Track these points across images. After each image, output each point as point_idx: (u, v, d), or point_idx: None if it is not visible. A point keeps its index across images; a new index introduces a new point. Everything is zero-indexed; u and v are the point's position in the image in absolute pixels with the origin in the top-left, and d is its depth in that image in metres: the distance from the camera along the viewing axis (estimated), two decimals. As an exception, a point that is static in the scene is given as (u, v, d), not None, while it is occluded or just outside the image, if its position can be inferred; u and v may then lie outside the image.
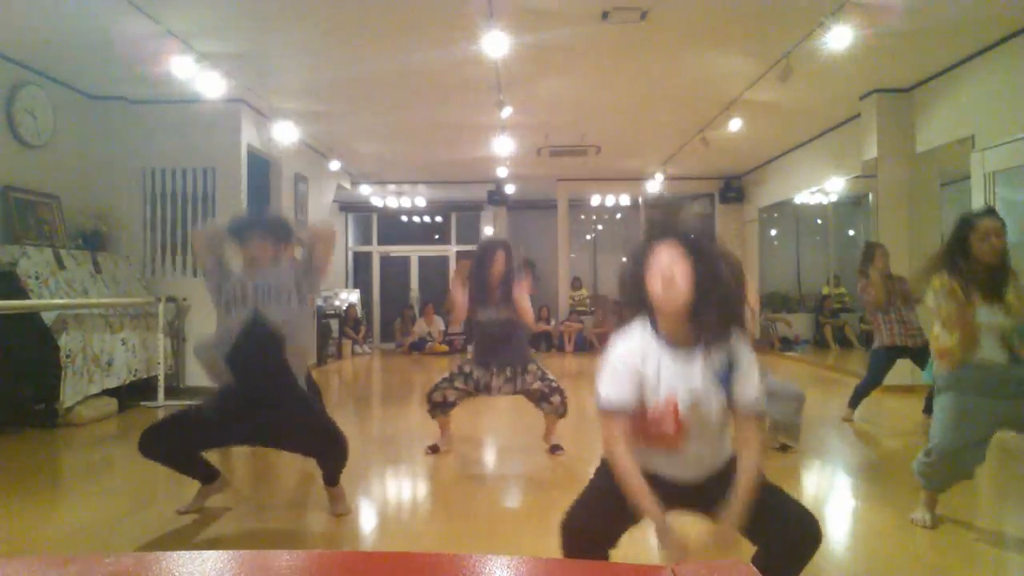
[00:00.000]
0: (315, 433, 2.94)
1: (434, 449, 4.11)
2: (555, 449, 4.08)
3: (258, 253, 2.90)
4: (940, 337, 2.71)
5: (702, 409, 1.63)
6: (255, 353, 2.81)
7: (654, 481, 1.68)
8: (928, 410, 4.87)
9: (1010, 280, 2.66)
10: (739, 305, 1.64)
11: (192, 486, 3.10)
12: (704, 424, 1.65)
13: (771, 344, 10.26)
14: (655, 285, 1.59)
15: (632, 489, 1.63)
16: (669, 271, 1.57)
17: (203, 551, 0.74)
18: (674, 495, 1.72)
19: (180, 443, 2.87)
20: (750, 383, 1.65)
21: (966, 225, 2.70)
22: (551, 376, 4.01)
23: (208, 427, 2.84)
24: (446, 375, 4.02)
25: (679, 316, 1.61)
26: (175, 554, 0.74)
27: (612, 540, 1.79)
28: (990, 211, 2.79)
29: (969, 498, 3.31)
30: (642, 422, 1.66)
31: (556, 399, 3.97)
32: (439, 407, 3.99)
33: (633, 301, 1.68)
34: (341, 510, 3.05)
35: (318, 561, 0.81)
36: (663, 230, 1.63)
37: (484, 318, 3.93)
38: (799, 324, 10.62)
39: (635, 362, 1.64)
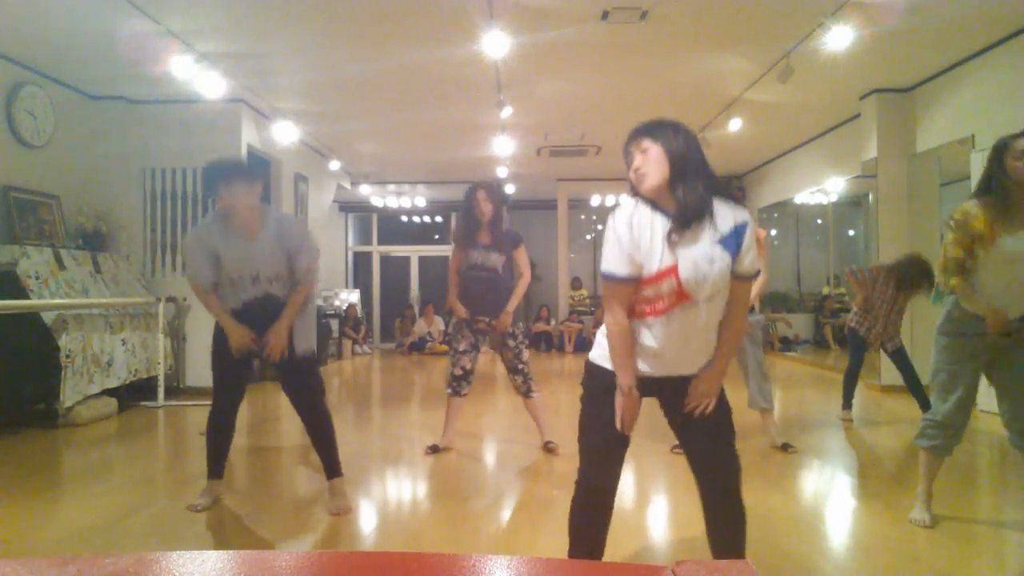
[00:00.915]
0: (303, 389, 3.10)
1: (434, 449, 4.11)
2: (548, 445, 4.09)
3: (237, 201, 2.87)
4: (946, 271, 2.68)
5: (702, 274, 1.72)
6: (259, 317, 2.97)
7: (642, 382, 1.84)
8: (925, 407, 4.91)
9: None
10: (716, 179, 1.79)
11: (192, 485, 3.10)
12: (703, 290, 1.73)
13: (771, 344, 10.26)
14: (634, 179, 1.80)
15: (618, 357, 1.82)
16: (640, 166, 1.77)
17: (203, 551, 0.74)
18: (664, 390, 1.89)
19: (237, 392, 3.14)
20: (750, 253, 1.78)
21: (1002, 146, 2.63)
22: (525, 359, 4.05)
23: (233, 368, 3.04)
24: (450, 352, 4.12)
25: (664, 197, 1.78)
26: (175, 554, 0.75)
27: (618, 455, 1.93)
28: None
29: (967, 497, 3.31)
30: (643, 291, 1.78)
31: (519, 379, 4.03)
32: (461, 380, 4.03)
33: (632, 192, 1.85)
34: (334, 509, 3.04)
35: (318, 561, 0.81)
36: (634, 132, 1.83)
37: (472, 261, 3.98)
38: (799, 324, 10.63)
39: (633, 237, 1.77)
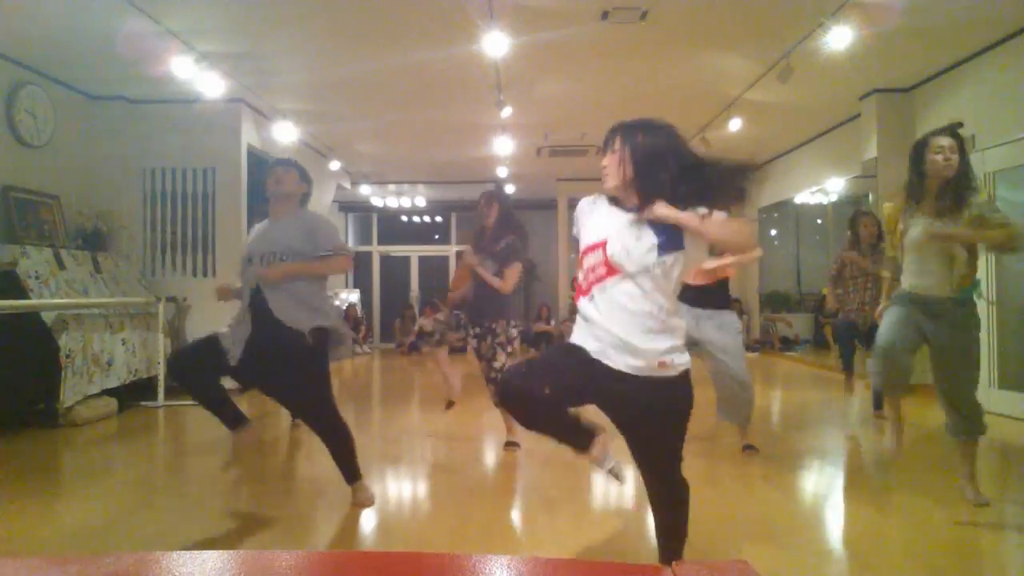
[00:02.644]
0: (303, 403, 3.02)
1: (450, 405, 4.36)
2: (508, 445, 4.12)
3: (278, 187, 3.00)
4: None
5: (630, 252, 1.83)
6: (259, 306, 2.88)
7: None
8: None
9: (968, 201, 2.75)
10: (699, 172, 1.88)
11: (192, 485, 3.10)
12: (630, 264, 1.82)
13: (771, 344, 10.26)
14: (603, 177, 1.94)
15: None
16: (607, 165, 1.91)
17: (203, 551, 0.74)
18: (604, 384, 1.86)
19: (198, 361, 2.93)
20: (703, 218, 1.83)
21: (923, 142, 2.87)
22: (499, 363, 3.97)
23: (219, 352, 2.88)
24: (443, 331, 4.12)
25: (622, 191, 1.91)
26: (175, 554, 0.75)
27: (559, 388, 1.85)
28: (947, 128, 2.91)
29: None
30: (584, 263, 1.92)
31: (492, 388, 4.01)
32: (422, 337, 4.23)
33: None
34: (356, 501, 3.07)
35: (318, 561, 0.81)
36: (612, 130, 1.96)
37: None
38: (799, 324, 10.62)
39: (580, 217, 2.02)
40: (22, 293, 4.76)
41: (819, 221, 11.50)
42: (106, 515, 3.02)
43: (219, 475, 3.67)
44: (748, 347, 10.30)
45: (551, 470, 3.77)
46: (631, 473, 3.72)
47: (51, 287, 5.01)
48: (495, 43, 4.65)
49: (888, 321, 2.96)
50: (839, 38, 4.53)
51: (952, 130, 2.86)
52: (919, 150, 2.84)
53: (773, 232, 11.70)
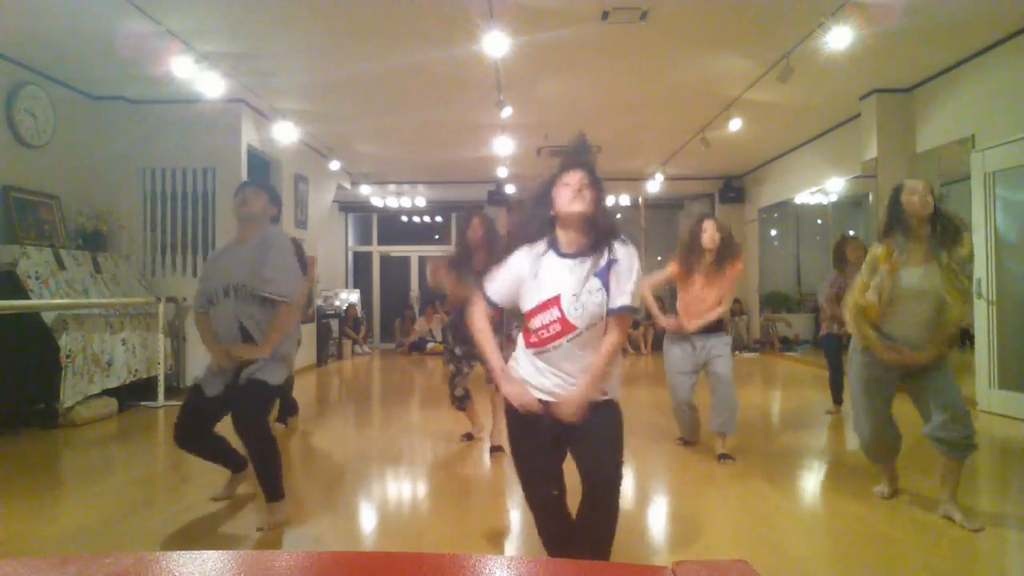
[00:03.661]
0: (244, 422, 2.91)
1: (468, 437, 4.45)
2: (466, 436, 4.38)
3: (245, 208, 2.98)
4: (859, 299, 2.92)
5: (585, 307, 1.89)
6: (220, 321, 2.94)
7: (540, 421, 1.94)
8: (838, 399, 5.31)
9: (949, 241, 2.78)
10: (614, 221, 1.99)
11: (192, 484, 3.10)
12: (589, 322, 1.90)
13: (771, 344, 10.26)
14: (564, 199, 1.93)
15: (483, 346, 2.05)
16: (578, 189, 1.92)
17: (203, 551, 0.74)
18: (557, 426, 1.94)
19: (197, 421, 3.01)
20: (624, 286, 1.91)
21: (899, 187, 2.93)
22: (458, 382, 4.15)
23: (205, 399, 2.95)
24: (452, 368, 4.18)
25: (578, 228, 1.94)
26: (175, 554, 0.75)
27: (554, 466, 2.06)
28: (915, 177, 2.99)
29: (975, 499, 3.31)
30: (535, 318, 1.93)
31: (448, 391, 4.21)
32: (462, 400, 4.26)
33: (539, 218, 2.00)
34: (263, 524, 2.89)
35: (318, 561, 0.81)
36: (575, 161, 1.99)
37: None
38: (799, 324, 10.62)
39: (522, 268, 1.97)
40: (22, 293, 4.76)
41: (819, 221, 11.50)
42: (106, 515, 3.02)
43: (219, 475, 3.67)
44: (748, 347, 10.32)
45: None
46: (629, 475, 3.73)
47: (51, 287, 5.01)
48: (495, 43, 4.65)
49: (863, 399, 3.02)
50: (839, 38, 4.53)
51: (921, 180, 2.97)
52: (894, 196, 2.91)
53: (773, 232, 11.70)
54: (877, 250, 2.88)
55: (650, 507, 3.25)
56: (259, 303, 2.89)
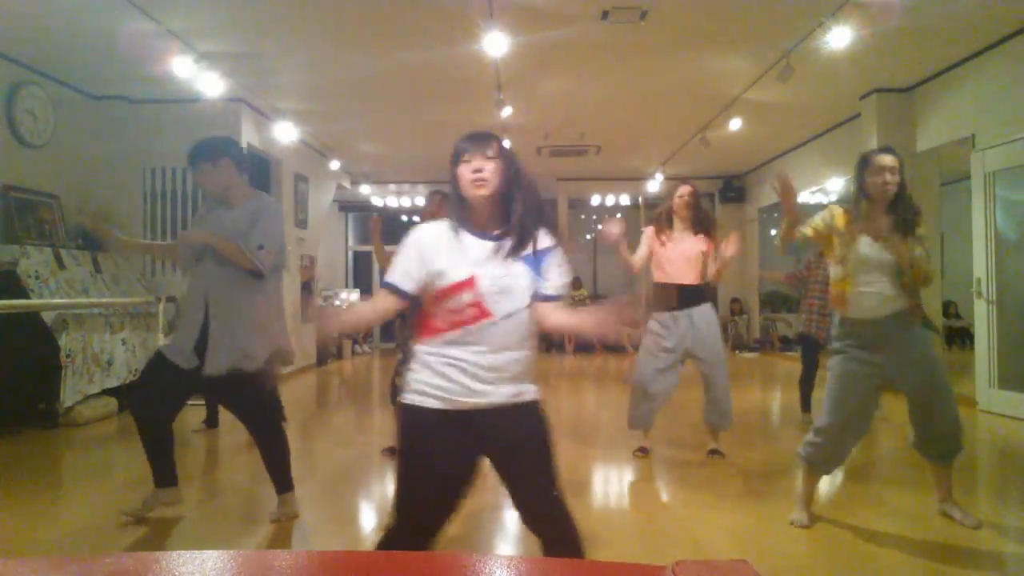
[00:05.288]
0: (252, 406, 2.85)
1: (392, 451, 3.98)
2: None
3: (202, 179, 2.84)
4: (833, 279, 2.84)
5: (505, 292, 1.68)
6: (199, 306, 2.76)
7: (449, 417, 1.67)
8: (806, 408, 4.98)
9: (911, 224, 2.72)
10: (544, 209, 1.81)
11: (191, 484, 3.09)
12: (506, 305, 1.68)
13: (771, 344, 10.26)
14: (467, 175, 1.71)
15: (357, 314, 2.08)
16: (481, 165, 1.70)
17: (203, 551, 0.74)
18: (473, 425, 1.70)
19: (158, 392, 2.79)
20: (561, 278, 1.76)
21: (862, 161, 2.82)
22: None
23: (173, 372, 2.75)
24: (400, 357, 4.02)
25: (487, 207, 1.73)
26: (175, 554, 0.75)
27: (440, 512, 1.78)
28: (886, 147, 2.84)
29: (974, 500, 3.31)
30: (445, 303, 1.69)
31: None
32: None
33: (452, 195, 1.79)
34: (276, 516, 2.90)
35: (318, 561, 0.81)
36: (478, 138, 1.76)
37: None
38: (799, 324, 10.61)
39: (427, 246, 1.72)
40: (22, 293, 4.76)
41: (819, 221, 11.49)
42: (106, 515, 3.02)
43: (219, 475, 3.67)
44: (748, 347, 10.32)
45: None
46: (628, 475, 3.73)
47: (51, 287, 5.01)
48: (495, 43, 4.66)
49: (835, 392, 2.79)
50: (839, 38, 4.53)
51: (891, 148, 2.84)
52: (860, 170, 2.81)
53: (773, 232, 11.69)
54: (837, 209, 2.85)
55: (650, 507, 3.25)
56: (236, 270, 2.74)
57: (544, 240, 1.76)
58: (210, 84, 5.38)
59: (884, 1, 4.30)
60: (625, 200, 11.55)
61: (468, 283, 1.65)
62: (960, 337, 9.79)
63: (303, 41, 5.13)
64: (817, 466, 2.87)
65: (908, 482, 3.41)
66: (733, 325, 10.62)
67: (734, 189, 10.82)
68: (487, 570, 0.74)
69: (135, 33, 4.70)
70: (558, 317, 1.76)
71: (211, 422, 4.87)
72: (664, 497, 3.36)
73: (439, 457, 1.70)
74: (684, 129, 7.65)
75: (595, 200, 11.52)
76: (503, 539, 2.82)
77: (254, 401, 2.87)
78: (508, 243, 1.71)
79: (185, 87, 5.53)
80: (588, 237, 12.68)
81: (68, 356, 4.91)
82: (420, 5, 4.47)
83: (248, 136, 6.73)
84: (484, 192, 1.70)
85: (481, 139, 1.75)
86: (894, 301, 2.71)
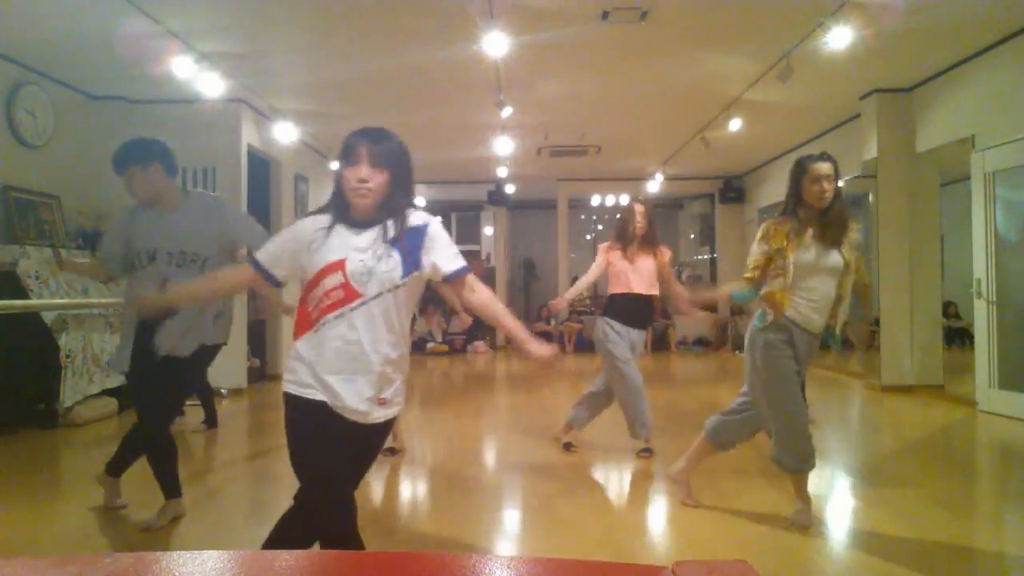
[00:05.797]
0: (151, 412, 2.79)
1: (391, 451, 3.99)
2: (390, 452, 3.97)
3: (130, 183, 2.81)
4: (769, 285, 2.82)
5: (372, 272, 1.72)
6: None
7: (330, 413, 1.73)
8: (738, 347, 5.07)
9: (846, 231, 2.75)
10: (411, 187, 1.90)
11: (191, 485, 3.09)
12: (377, 289, 1.72)
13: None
14: (351, 182, 1.75)
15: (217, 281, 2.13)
16: (367, 176, 1.75)
17: (203, 551, 0.74)
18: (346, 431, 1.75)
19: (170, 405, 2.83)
20: (449, 250, 1.84)
21: (799, 168, 2.77)
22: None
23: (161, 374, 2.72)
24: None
25: (369, 207, 1.77)
26: (175, 554, 0.75)
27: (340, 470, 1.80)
28: (823, 155, 2.82)
29: (973, 501, 3.31)
30: (316, 290, 1.74)
31: None
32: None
33: (334, 191, 1.84)
34: (146, 523, 2.81)
35: (318, 561, 0.81)
36: (372, 139, 1.81)
37: None
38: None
39: (303, 235, 1.79)
40: (22, 293, 4.76)
41: (819, 221, 11.49)
42: (106, 515, 3.02)
43: (218, 476, 3.68)
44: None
45: (550, 470, 3.77)
46: (627, 475, 3.73)
47: (51, 287, 5.01)
48: (495, 43, 4.65)
49: (785, 394, 2.78)
50: (839, 38, 4.53)
51: (829, 155, 2.82)
52: (797, 177, 2.76)
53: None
54: (772, 227, 2.78)
55: (650, 507, 3.25)
56: (197, 270, 2.69)
57: (415, 219, 1.82)
58: (210, 84, 5.38)
59: (884, 1, 4.30)
60: (625, 201, 11.55)
61: (337, 265, 1.71)
62: (960, 337, 9.80)
63: (303, 41, 5.13)
64: (811, 465, 2.87)
65: (908, 482, 3.41)
66: (733, 325, 10.63)
67: (734, 189, 10.83)
68: (487, 570, 0.74)
69: (135, 33, 4.70)
70: (482, 297, 1.87)
71: (210, 422, 4.87)
72: (664, 497, 3.36)
73: (335, 444, 1.78)
74: (684, 129, 7.65)
75: (595, 200, 11.52)
76: (503, 539, 2.82)
77: (152, 389, 2.75)
78: (380, 228, 1.77)
79: (185, 87, 5.53)
80: (588, 237, 12.69)
81: (68, 356, 4.91)
82: (420, 5, 4.47)
83: (248, 136, 6.73)
84: (366, 203, 1.75)
85: (374, 141, 1.79)
86: (834, 306, 2.77)
